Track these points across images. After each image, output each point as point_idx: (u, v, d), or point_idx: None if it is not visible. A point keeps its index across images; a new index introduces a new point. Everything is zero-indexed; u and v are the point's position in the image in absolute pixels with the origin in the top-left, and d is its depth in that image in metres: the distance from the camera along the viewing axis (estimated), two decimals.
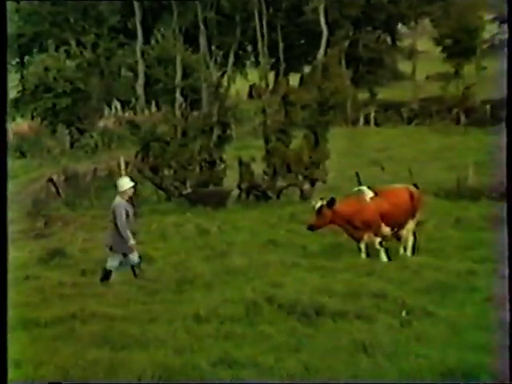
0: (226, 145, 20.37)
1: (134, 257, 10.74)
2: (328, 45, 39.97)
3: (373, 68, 43.45)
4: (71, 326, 8.07)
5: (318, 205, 11.30)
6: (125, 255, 10.71)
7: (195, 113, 25.35)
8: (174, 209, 18.51)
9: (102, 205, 19.31)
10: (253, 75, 45.83)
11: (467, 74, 37.06)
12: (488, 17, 39.77)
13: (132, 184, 10.80)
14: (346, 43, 42.12)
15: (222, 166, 19.90)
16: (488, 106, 31.16)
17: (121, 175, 22.09)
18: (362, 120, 34.34)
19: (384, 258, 11.32)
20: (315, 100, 19.39)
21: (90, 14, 40.82)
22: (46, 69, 33.96)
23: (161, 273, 11.27)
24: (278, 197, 18.85)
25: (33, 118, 34.43)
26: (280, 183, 18.89)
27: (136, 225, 11.07)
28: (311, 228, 11.53)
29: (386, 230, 11.57)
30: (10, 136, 29.02)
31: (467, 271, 10.06)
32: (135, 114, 35.61)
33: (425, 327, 7.75)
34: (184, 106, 25.35)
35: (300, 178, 18.84)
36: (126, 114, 35.61)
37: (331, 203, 11.24)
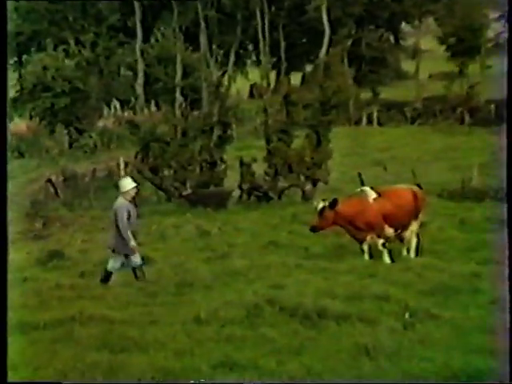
0: (227, 145, 20.39)
1: (137, 258, 10.75)
2: (330, 43, 40.04)
3: (376, 67, 43.48)
4: (70, 328, 8.07)
5: (320, 206, 11.30)
6: (126, 256, 10.72)
7: (195, 112, 25.39)
8: (173, 210, 18.52)
9: (101, 206, 19.35)
10: (254, 74, 45.86)
11: (471, 73, 37.07)
12: (493, 15, 39.75)
13: (134, 184, 10.83)
14: (349, 42, 42.17)
15: (223, 166, 19.91)
16: (492, 106, 31.13)
17: (120, 176, 22.16)
18: (364, 120, 34.33)
19: (387, 259, 11.31)
20: (317, 99, 19.40)
21: (89, 13, 40.87)
22: (45, 68, 34.02)
23: (160, 275, 11.27)
24: (280, 197, 18.86)
25: (31, 117, 34.47)
26: (281, 184, 18.90)
27: (137, 226, 11.05)
28: (313, 229, 11.52)
29: (389, 231, 11.56)
30: (8, 136, 29.04)
31: (471, 273, 10.06)
32: (135, 113, 35.65)
33: (428, 330, 7.74)
34: (184, 105, 25.40)
35: (302, 178, 18.84)
36: (126, 114, 35.64)
37: (333, 204, 11.23)
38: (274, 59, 44.84)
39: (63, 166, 23.73)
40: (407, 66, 45.58)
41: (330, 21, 40.48)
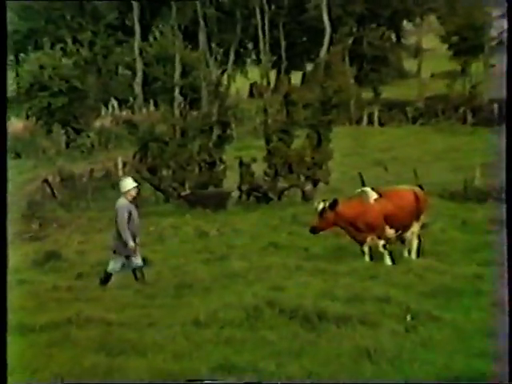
0: (226, 145, 20.41)
1: (138, 260, 10.78)
2: (331, 42, 40.03)
3: (377, 66, 43.45)
4: (67, 331, 8.07)
5: (321, 206, 11.30)
6: (127, 258, 10.73)
7: (194, 112, 25.40)
8: (172, 211, 18.53)
9: (98, 206, 19.38)
10: (254, 73, 45.82)
11: (474, 72, 37.05)
12: (496, 13, 39.74)
13: (135, 184, 10.87)
14: (350, 40, 42.17)
15: (222, 166, 19.93)
16: (496, 105, 31.10)
17: (118, 176, 22.18)
18: (365, 119, 34.32)
19: (388, 261, 11.31)
20: (318, 99, 19.42)
21: (87, 11, 40.86)
22: (42, 67, 34.01)
23: (159, 276, 11.28)
24: (280, 198, 18.87)
25: (28, 117, 34.46)
26: (281, 184, 18.92)
27: (138, 226, 11.04)
28: (313, 230, 11.53)
29: (390, 232, 11.57)
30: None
31: (473, 275, 10.07)
32: (133, 113, 35.65)
33: (430, 332, 7.75)
34: (183, 105, 25.40)
35: (302, 178, 18.86)
36: (124, 114, 35.64)
37: (334, 205, 11.24)
38: (274, 58, 44.80)
39: (60, 167, 23.73)
40: (409, 64, 45.56)
41: (330, 19, 40.47)
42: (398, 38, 49.21)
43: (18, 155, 29.40)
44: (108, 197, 20.25)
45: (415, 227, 11.82)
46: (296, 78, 45.04)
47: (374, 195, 11.54)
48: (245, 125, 32.44)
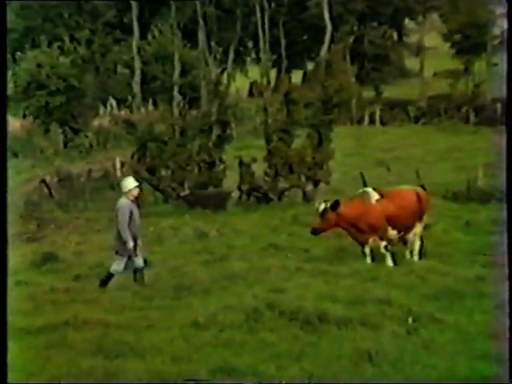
0: (226, 145, 20.38)
1: (139, 261, 10.78)
2: (332, 41, 40.04)
3: (378, 65, 43.45)
4: (64, 333, 8.08)
5: (322, 207, 11.30)
6: (130, 258, 10.75)
7: (194, 111, 25.41)
8: (171, 211, 18.52)
9: (96, 207, 19.37)
10: (254, 72, 45.83)
11: (477, 71, 37.06)
12: (499, 11, 39.72)
13: (136, 184, 10.89)
14: (351, 39, 42.16)
15: (222, 166, 19.92)
16: (499, 105, 31.09)
17: (116, 176, 22.18)
18: (367, 119, 34.32)
19: (390, 262, 11.31)
20: (318, 98, 19.40)
21: (85, 9, 40.87)
22: (39, 65, 33.97)
23: (157, 278, 11.27)
24: (280, 199, 18.86)
25: (25, 116, 34.44)
26: (282, 184, 18.90)
27: (139, 227, 11.03)
28: (314, 231, 11.52)
29: (392, 233, 11.57)
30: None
31: (476, 277, 10.07)
32: (131, 112, 35.64)
33: (432, 335, 7.75)
34: (182, 104, 25.41)
35: (303, 179, 18.84)
36: (122, 113, 35.63)
37: (335, 206, 11.23)
38: (275, 57, 44.80)
39: (58, 166, 23.71)
40: (411, 63, 45.59)
41: (331, 17, 40.49)
42: (400, 36, 49.21)
43: (15, 155, 29.36)
44: (106, 197, 20.24)
45: (418, 228, 11.82)
46: (296, 76, 45.09)
47: (375, 196, 11.53)
48: (245, 124, 32.44)
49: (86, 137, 30.82)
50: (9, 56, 40.73)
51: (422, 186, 12.73)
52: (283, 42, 42.74)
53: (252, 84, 45.02)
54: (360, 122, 34.25)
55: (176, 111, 23.96)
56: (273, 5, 43.28)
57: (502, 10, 39.18)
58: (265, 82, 41.56)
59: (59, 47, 36.10)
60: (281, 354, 7.32)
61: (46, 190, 21.17)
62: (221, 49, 41.22)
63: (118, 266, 10.74)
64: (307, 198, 18.33)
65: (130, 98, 37.78)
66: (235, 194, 19.12)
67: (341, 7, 41.46)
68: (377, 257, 11.41)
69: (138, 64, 38.54)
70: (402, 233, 11.68)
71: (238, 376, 6.83)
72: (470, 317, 8.41)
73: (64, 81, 33.80)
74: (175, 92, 36.11)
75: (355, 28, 43.41)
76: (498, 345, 7.29)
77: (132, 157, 20.60)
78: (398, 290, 9.35)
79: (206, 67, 37.60)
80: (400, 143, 27.89)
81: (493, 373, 6.75)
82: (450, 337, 7.73)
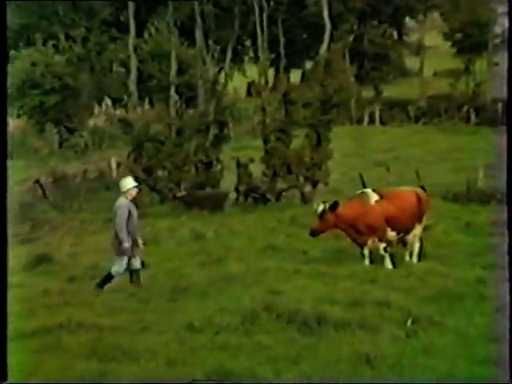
0: (223, 145, 20.40)
1: (136, 262, 10.79)
2: (331, 39, 40.03)
3: (378, 64, 43.44)
4: (58, 336, 8.06)
5: (321, 208, 11.30)
6: (130, 259, 10.76)
7: (191, 111, 25.36)
8: (168, 212, 18.52)
9: (91, 208, 19.36)
10: (252, 71, 45.82)
11: (478, 71, 37.09)
12: (501, 10, 39.76)
13: (135, 184, 10.94)
14: (351, 38, 42.16)
15: (219, 167, 19.92)
16: (500, 104, 31.14)
17: (112, 177, 22.18)
18: (366, 119, 34.36)
19: (389, 264, 11.32)
20: (317, 98, 19.40)
21: (80, 7, 40.82)
22: (33, 64, 33.95)
23: (153, 280, 11.27)
24: (278, 199, 18.86)
25: (19, 116, 34.40)
26: (280, 185, 18.91)
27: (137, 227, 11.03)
28: (313, 233, 11.52)
29: (392, 234, 11.58)
30: None
31: (476, 279, 10.08)
32: (127, 111, 35.58)
33: (432, 338, 7.75)
34: (179, 103, 25.38)
35: (301, 179, 18.85)
36: (118, 112, 35.59)
37: (334, 207, 11.23)
38: (273, 56, 44.79)
39: (52, 167, 23.72)
40: (411, 62, 45.59)
41: (330, 16, 40.47)
42: (400, 35, 49.22)
43: (9, 155, 29.33)
44: (102, 198, 20.24)
45: (417, 229, 11.83)
46: (295, 76, 45.08)
47: (375, 197, 11.54)
48: (242, 124, 32.46)
49: (82, 136, 30.82)
50: None
51: (422, 187, 12.75)
52: (282, 40, 42.70)
53: (250, 83, 45.02)
54: (359, 121, 34.28)
55: (173, 111, 23.92)
56: (271, 3, 43.27)
57: (503, 8, 39.24)
58: (263, 81, 41.51)
59: (54, 45, 36.08)
60: (278, 357, 7.31)
61: (40, 191, 21.16)
62: (218, 47, 41.17)
63: (118, 267, 10.73)
64: (305, 199, 18.33)
65: (125, 97, 37.73)
66: (232, 195, 19.11)
67: (340, 5, 41.47)
68: (376, 258, 11.42)
69: (134, 62, 38.48)
70: (402, 234, 11.69)
71: (234, 379, 6.82)
72: (470, 319, 8.40)
73: (59, 80, 33.79)
74: (172, 91, 36.06)
75: (355, 27, 43.42)
76: (498, 348, 7.29)
77: (128, 157, 20.58)
78: (397, 292, 9.34)
79: (203, 66, 37.55)
80: (400, 143, 27.92)
81: (493, 377, 6.74)
82: (450, 340, 7.72)
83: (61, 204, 20.08)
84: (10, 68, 37.25)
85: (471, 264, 11.23)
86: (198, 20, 39.02)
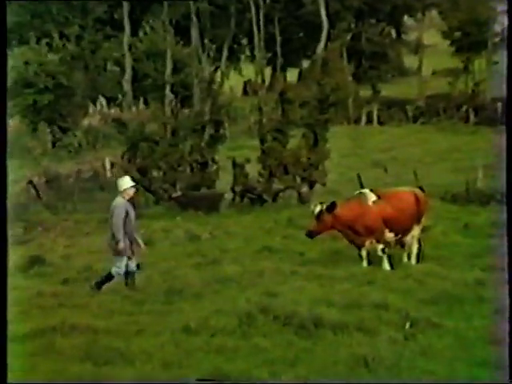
0: (219, 145, 20.41)
1: (132, 264, 10.79)
2: (328, 38, 40.13)
3: (376, 63, 43.59)
4: (52, 339, 8.05)
5: (318, 209, 11.30)
6: (129, 259, 10.77)
7: (186, 110, 25.43)
8: (162, 213, 18.53)
9: (85, 209, 19.35)
10: (248, 70, 45.89)
11: (477, 70, 37.20)
12: (500, 8, 39.84)
13: (132, 184, 10.95)
14: (348, 36, 42.29)
15: (215, 167, 19.93)
16: (499, 104, 31.20)
17: (106, 177, 22.17)
18: (364, 118, 34.41)
19: (387, 266, 11.33)
20: (314, 97, 19.45)
21: (74, 4, 40.82)
22: (27, 62, 33.92)
23: (148, 281, 11.26)
24: (274, 200, 18.87)
25: (12, 115, 34.36)
26: (276, 186, 18.92)
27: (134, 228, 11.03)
28: (310, 234, 11.52)
29: (390, 236, 11.58)
30: None
31: (475, 281, 10.08)
32: (122, 111, 35.62)
33: (430, 341, 7.75)
34: (174, 103, 25.38)
35: (298, 180, 18.87)
36: (112, 112, 35.61)
37: (331, 207, 11.24)
38: (269, 54, 44.88)
39: (46, 167, 23.70)
40: (409, 61, 45.73)
41: (328, 14, 40.57)
42: (398, 33, 49.37)
43: None
44: (96, 199, 20.24)
45: (415, 231, 11.84)
46: (292, 75, 45.17)
47: (372, 197, 11.54)
48: (238, 124, 32.49)
49: (75, 136, 30.81)
50: None
51: (420, 188, 12.76)
52: (278, 39, 42.79)
53: (246, 82, 45.09)
54: (357, 121, 34.33)
55: (168, 110, 23.94)
56: (268, 1, 43.32)
57: (503, 6, 39.30)
58: (259, 80, 41.61)
59: (48, 44, 36.05)
60: (274, 359, 7.32)
61: (33, 192, 21.14)
62: (214, 46, 41.18)
63: (119, 267, 10.72)
64: (302, 200, 18.35)
65: (120, 96, 37.75)
66: (228, 196, 19.13)
67: (338, 4, 41.55)
68: (373, 260, 11.42)
69: (128, 61, 38.52)
70: (400, 235, 11.69)
71: (230, 382, 6.83)
72: (468, 322, 8.42)
73: (52, 78, 33.76)
74: (167, 90, 36.10)
75: (352, 25, 43.55)
76: (497, 351, 7.30)
77: (122, 157, 20.58)
78: (395, 295, 9.35)
79: (198, 65, 37.59)
80: (398, 143, 27.97)
81: (492, 379, 6.76)
82: (449, 342, 7.73)
83: (54, 205, 20.07)
84: None
85: (470, 266, 11.24)
86: (194, 18, 39.07)
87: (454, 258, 11.96)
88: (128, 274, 10.80)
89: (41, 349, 7.83)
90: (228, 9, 42.63)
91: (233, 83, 42.85)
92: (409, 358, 7.24)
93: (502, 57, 30.84)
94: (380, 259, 11.37)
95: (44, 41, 36.07)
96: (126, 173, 19.42)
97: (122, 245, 10.60)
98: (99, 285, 10.77)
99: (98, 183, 22.13)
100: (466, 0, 38.43)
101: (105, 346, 7.71)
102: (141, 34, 40.60)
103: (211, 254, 13.37)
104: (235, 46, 47.09)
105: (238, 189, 19.07)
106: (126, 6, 38.94)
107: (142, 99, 36.93)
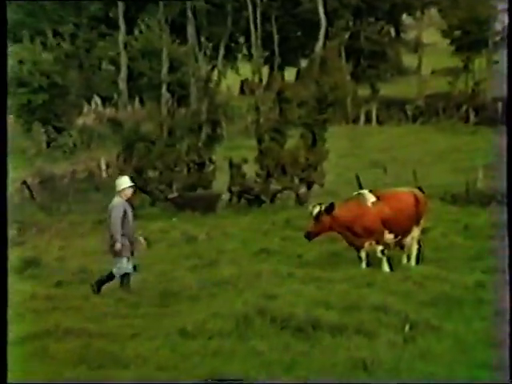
0: (216, 145, 20.42)
1: (129, 265, 10.78)
2: (327, 37, 40.12)
3: (375, 62, 43.55)
4: (45, 343, 8.04)
5: (316, 210, 11.30)
6: (129, 259, 10.77)
7: (182, 110, 25.41)
8: (159, 214, 18.53)
9: (80, 210, 19.34)
10: (245, 69, 45.85)
11: (477, 69, 37.22)
12: (501, 6, 39.88)
13: (130, 184, 10.95)
14: (346, 35, 42.26)
15: (212, 167, 19.94)
16: (499, 104, 31.25)
17: (101, 177, 22.15)
18: (362, 118, 34.44)
19: (386, 267, 11.33)
20: (312, 96, 19.46)
21: (69, 3, 40.78)
22: (21, 61, 33.86)
23: (144, 284, 11.25)
24: (272, 201, 18.89)
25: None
26: (274, 186, 18.93)
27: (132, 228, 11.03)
28: (308, 236, 11.51)
29: (389, 237, 11.59)
30: None
31: (475, 283, 10.09)
32: (117, 110, 35.59)
33: (429, 343, 7.76)
34: (170, 102, 25.43)
35: (296, 180, 18.88)
36: (108, 111, 35.60)
37: (330, 209, 11.23)
38: (267, 53, 44.86)
39: (40, 167, 23.70)
40: (409, 60, 45.72)
41: (326, 12, 40.56)
42: (397, 32, 49.35)
43: None
44: (91, 199, 20.23)
45: (415, 232, 11.84)
46: (290, 74, 45.14)
47: (371, 198, 11.55)
48: (235, 123, 32.48)
49: (70, 136, 30.79)
50: None
51: (420, 188, 12.76)
52: (276, 37, 42.76)
53: (243, 81, 45.05)
54: (355, 121, 34.36)
55: (164, 109, 23.96)
56: None
57: (503, 5, 39.33)
58: (257, 79, 41.57)
59: (42, 42, 36.00)
60: (272, 362, 7.32)
61: (27, 192, 21.12)
62: (211, 45, 41.14)
63: (120, 267, 10.71)
64: (300, 201, 18.36)
65: (115, 95, 37.70)
66: (225, 196, 19.14)
67: (336, 2, 41.54)
68: (372, 262, 11.42)
69: (124, 60, 38.45)
70: (399, 237, 11.70)
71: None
72: (468, 324, 8.42)
73: (47, 77, 33.71)
74: (163, 89, 36.05)
75: (351, 24, 43.50)
76: (498, 353, 7.31)
77: (118, 157, 20.59)
78: (394, 297, 9.35)
79: (195, 64, 37.55)
80: (397, 143, 27.99)
81: (492, 382, 6.76)
82: (448, 345, 7.74)
83: (49, 206, 20.07)
84: None
85: (470, 267, 11.25)
86: (190, 16, 39.03)
87: (453, 259, 11.98)
88: (124, 275, 10.80)
89: (35, 352, 7.82)
90: (225, 7, 42.61)
91: (230, 82, 42.83)
92: (408, 361, 7.24)
93: (502, 56, 30.88)
94: (379, 261, 11.38)
95: (38, 39, 36.02)
96: (122, 173, 19.48)
97: (118, 245, 10.60)
98: (99, 285, 10.77)
99: (93, 184, 22.12)
100: None
101: (99, 350, 7.70)
102: (136, 32, 40.55)
103: (208, 255, 13.37)
104: (232, 44, 47.05)
105: (235, 189, 19.09)
106: (121, 4, 38.90)
107: (137, 98, 36.92)
